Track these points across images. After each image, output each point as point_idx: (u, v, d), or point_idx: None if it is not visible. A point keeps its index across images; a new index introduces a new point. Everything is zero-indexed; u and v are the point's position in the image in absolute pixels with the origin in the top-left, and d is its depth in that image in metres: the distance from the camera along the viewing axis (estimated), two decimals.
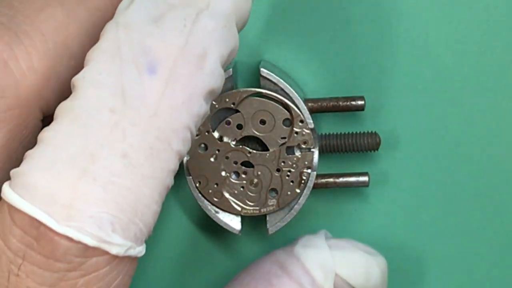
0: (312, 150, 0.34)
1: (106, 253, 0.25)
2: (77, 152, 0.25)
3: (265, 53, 0.36)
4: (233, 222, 0.35)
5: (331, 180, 0.36)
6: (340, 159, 0.37)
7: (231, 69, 0.34)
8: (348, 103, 0.35)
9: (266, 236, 0.36)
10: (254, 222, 0.36)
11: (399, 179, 0.37)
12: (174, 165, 0.26)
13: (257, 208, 0.35)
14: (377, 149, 0.36)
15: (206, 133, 0.34)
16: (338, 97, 0.35)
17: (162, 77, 0.26)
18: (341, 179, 0.36)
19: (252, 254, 0.37)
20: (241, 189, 0.35)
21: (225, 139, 0.34)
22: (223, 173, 0.35)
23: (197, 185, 0.35)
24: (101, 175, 0.25)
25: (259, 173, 0.35)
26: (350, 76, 0.36)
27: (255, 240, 0.37)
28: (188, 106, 0.26)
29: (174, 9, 0.27)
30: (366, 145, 0.35)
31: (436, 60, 0.36)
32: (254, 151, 0.35)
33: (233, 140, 0.35)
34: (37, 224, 0.25)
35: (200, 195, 0.35)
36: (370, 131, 0.36)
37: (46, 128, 0.26)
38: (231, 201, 0.35)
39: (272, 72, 0.34)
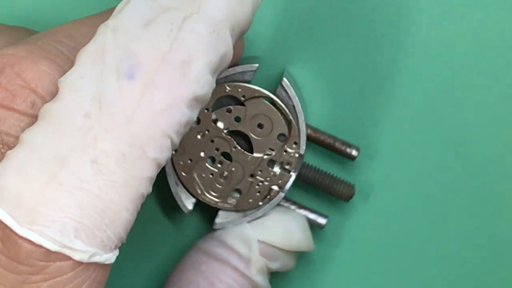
0: (291, 173, 0.35)
1: (69, 258, 0.25)
2: (48, 156, 0.25)
3: (290, 63, 0.36)
4: (187, 201, 0.35)
5: (292, 207, 0.36)
6: (312, 192, 0.37)
7: (257, 65, 0.34)
8: (343, 147, 0.36)
9: (210, 227, 0.36)
10: (207, 208, 0.36)
11: (358, 232, 0.37)
12: (149, 173, 0.26)
13: (216, 200, 0.35)
14: (348, 201, 0.36)
15: (206, 111, 0.34)
16: (336, 138, 0.36)
17: (141, 83, 0.26)
18: (301, 211, 0.36)
19: (192, 233, 0.37)
20: (210, 175, 0.35)
21: (219, 124, 0.34)
22: (202, 154, 0.35)
23: (173, 152, 0.35)
24: (68, 180, 0.25)
25: (233, 169, 0.35)
26: (357, 120, 0.37)
27: (200, 225, 0.37)
28: (169, 114, 0.26)
29: (166, 12, 0.26)
30: (339, 193, 0.36)
31: (432, 115, 0.36)
32: (239, 148, 0.35)
33: (226, 129, 0.34)
34: (3, 225, 0.25)
35: (170, 161, 0.35)
36: (348, 182, 0.36)
37: (27, 130, 0.26)
38: (195, 182, 0.35)
39: (292, 86, 0.34)
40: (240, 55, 0.35)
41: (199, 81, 0.26)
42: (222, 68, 0.27)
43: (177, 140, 0.26)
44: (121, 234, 0.26)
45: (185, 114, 0.26)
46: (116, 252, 0.26)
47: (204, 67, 0.26)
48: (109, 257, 0.26)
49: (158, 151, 0.26)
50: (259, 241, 0.34)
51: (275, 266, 0.35)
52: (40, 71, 0.27)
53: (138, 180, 0.26)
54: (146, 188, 0.26)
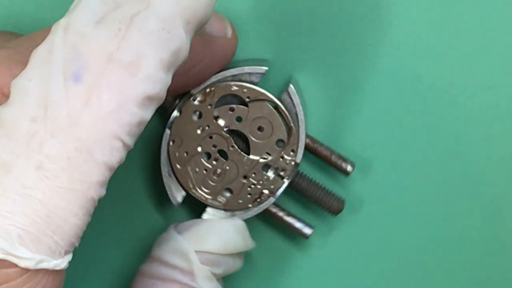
0: (284, 180, 0.35)
1: (15, 265, 0.25)
2: None
3: (297, 69, 0.36)
4: (177, 194, 0.35)
5: (280, 213, 0.36)
6: (302, 201, 0.37)
7: (266, 68, 0.34)
8: (338, 161, 0.36)
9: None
10: (196, 203, 0.36)
11: (342, 246, 0.37)
12: (99, 177, 0.26)
13: (206, 196, 0.35)
14: (336, 215, 0.36)
15: (209, 106, 0.34)
16: (333, 151, 0.36)
17: (87, 84, 0.25)
18: (289, 218, 0.36)
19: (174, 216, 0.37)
20: (204, 171, 0.35)
21: (220, 122, 0.34)
22: (199, 149, 0.35)
23: (171, 143, 0.34)
24: (12, 187, 0.25)
25: (227, 168, 0.35)
26: (356, 135, 0.37)
27: (188, 218, 0.37)
28: (117, 115, 0.25)
29: (116, 9, 0.26)
30: (329, 206, 0.36)
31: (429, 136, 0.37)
32: (236, 148, 0.35)
33: (226, 127, 0.34)
34: None
35: (166, 151, 0.35)
36: (339, 196, 0.36)
37: None
38: (188, 176, 0.35)
39: (297, 94, 0.34)
40: (229, 54, 0.34)
41: (149, 80, 0.26)
42: (177, 64, 0.27)
43: (130, 141, 0.26)
44: (71, 240, 0.26)
45: (135, 114, 0.26)
46: (68, 258, 0.26)
47: (154, 65, 0.26)
48: (59, 263, 0.26)
49: (107, 154, 0.26)
50: (197, 251, 0.33)
51: (219, 271, 0.34)
52: (14, 77, 0.26)
53: (87, 185, 0.25)
54: (96, 192, 0.26)
